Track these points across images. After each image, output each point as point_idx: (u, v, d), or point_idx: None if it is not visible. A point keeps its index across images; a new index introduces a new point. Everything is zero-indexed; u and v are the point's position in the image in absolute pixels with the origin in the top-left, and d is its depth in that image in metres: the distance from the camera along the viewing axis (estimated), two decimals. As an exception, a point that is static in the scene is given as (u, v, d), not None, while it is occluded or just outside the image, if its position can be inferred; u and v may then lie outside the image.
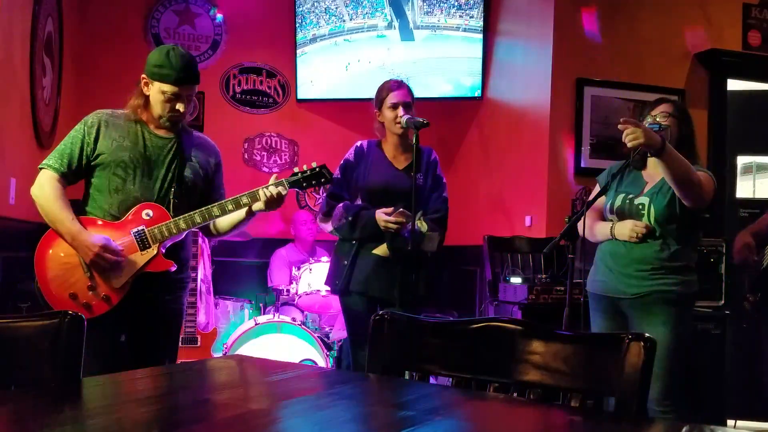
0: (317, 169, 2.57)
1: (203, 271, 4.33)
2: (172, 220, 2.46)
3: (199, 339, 4.08)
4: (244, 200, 2.49)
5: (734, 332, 3.91)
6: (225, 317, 4.65)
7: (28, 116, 3.74)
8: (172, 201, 2.49)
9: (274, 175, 2.58)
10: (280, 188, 2.48)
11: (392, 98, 3.02)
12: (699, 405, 3.65)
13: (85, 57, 4.97)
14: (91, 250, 2.37)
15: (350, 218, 2.95)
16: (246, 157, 5.43)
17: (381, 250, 2.99)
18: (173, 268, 2.50)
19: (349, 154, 3.10)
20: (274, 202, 2.49)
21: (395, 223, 2.90)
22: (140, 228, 2.45)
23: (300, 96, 5.43)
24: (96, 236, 2.40)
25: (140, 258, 2.45)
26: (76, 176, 2.49)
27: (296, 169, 2.59)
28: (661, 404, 2.71)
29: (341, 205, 3.03)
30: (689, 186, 2.66)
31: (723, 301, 3.86)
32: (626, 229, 2.79)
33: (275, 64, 5.52)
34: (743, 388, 4.07)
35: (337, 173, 3.05)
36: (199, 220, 2.47)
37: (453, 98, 5.27)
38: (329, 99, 5.42)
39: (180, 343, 4.00)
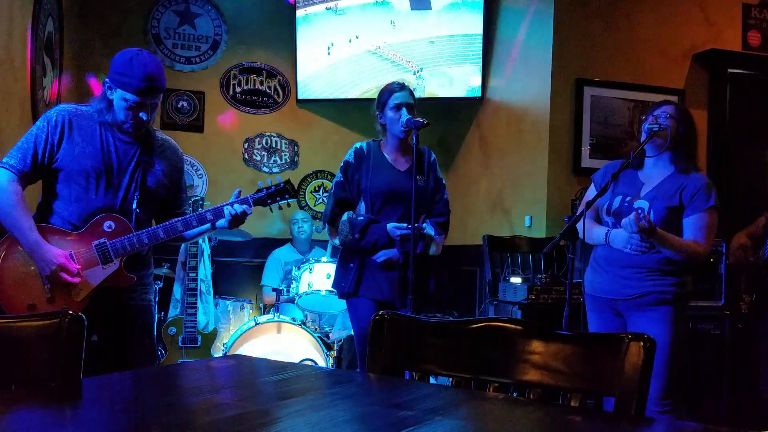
0: (282, 185, 2.55)
1: (203, 271, 4.33)
2: (134, 234, 2.41)
3: (199, 339, 4.09)
4: (209, 216, 2.49)
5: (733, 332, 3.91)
6: (225, 317, 4.65)
7: (29, 116, 3.73)
8: (134, 211, 2.44)
9: (237, 190, 2.53)
10: (245, 206, 2.48)
11: (395, 99, 3.02)
12: (698, 405, 3.65)
13: (85, 57, 4.97)
14: (49, 267, 2.32)
15: (357, 236, 2.96)
16: (246, 157, 5.43)
17: (390, 254, 2.99)
18: (134, 280, 2.47)
19: (349, 156, 3.10)
20: (237, 220, 2.48)
21: (408, 230, 2.89)
22: (102, 241, 2.39)
23: (300, 96, 5.43)
24: (55, 252, 2.34)
25: (101, 272, 2.40)
26: (37, 176, 2.44)
27: (261, 184, 2.56)
28: (659, 403, 2.71)
29: (345, 218, 3.02)
30: (686, 259, 2.78)
31: (723, 301, 3.86)
32: (621, 239, 2.80)
33: (275, 64, 5.52)
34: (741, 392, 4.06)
35: (339, 176, 3.08)
36: (162, 236, 2.45)
37: (453, 98, 5.27)
38: (330, 99, 5.41)
39: (180, 343, 4.05)
